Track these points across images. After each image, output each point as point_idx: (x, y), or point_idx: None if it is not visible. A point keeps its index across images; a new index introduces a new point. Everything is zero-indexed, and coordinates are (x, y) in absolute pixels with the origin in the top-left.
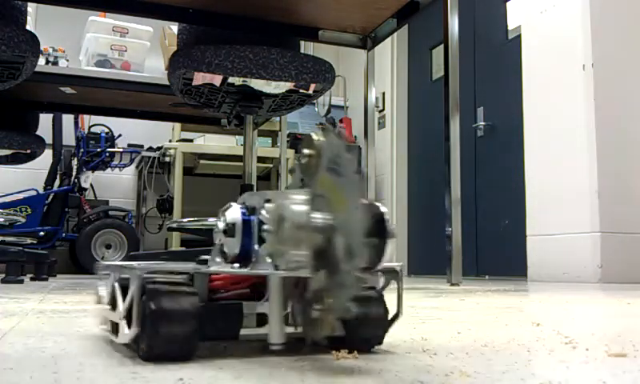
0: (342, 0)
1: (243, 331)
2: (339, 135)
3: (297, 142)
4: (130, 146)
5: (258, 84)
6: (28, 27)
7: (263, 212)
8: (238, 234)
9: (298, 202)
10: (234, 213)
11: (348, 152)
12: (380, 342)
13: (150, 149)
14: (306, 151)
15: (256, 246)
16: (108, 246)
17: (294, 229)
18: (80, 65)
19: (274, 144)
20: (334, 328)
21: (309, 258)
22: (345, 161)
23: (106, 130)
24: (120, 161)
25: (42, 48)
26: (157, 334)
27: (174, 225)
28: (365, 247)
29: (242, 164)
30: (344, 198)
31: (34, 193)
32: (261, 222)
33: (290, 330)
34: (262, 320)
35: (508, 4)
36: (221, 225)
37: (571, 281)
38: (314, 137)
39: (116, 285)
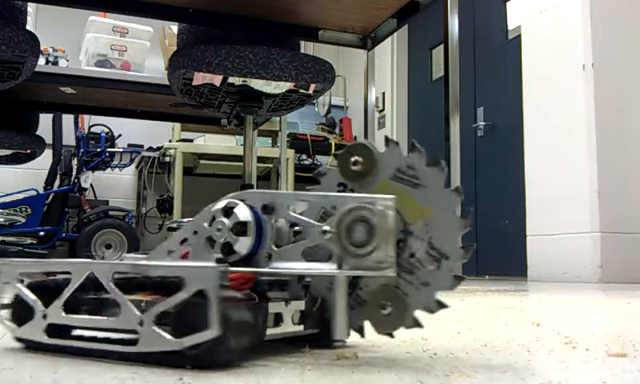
0: (342, 0)
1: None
2: (415, 149)
3: (297, 142)
4: (130, 145)
5: (257, 84)
6: (28, 27)
7: (292, 213)
8: (252, 232)
9: (374, 206)
10: (244, 211)
11: (430, 166)
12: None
13: (150, 149)
14: (357, 159)
15: (274, 247)
16: (108, 246)
17: (381, 232)
18: (80, 65)
19: (274, 144)
20: (416, 323)
21: (394, 259)
22: (423, 173)
23: (106, 130)
24: (120, 161)
25: (42, 48)
26: (230, 337)
27: (174, 225)
28: (458, 250)
29: (242, 164)
30: (421, 206)
31: (34, 193)
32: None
33: (290, 329)
34: (278, 319)
35: (508, 4)
36: (228, 222)
37: (571, 281)
38: (369, 146)
39: (112, 285)
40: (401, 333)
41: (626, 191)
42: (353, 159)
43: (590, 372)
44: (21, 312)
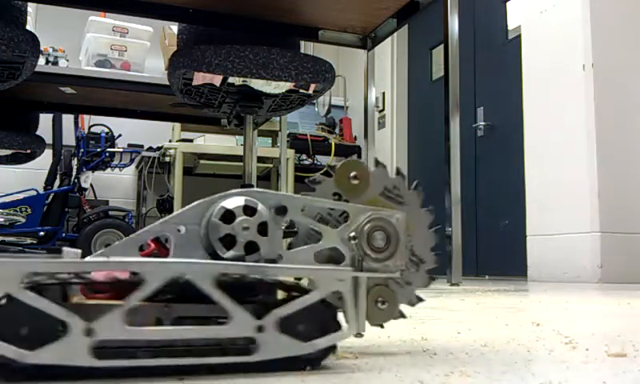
0: (342, 0)
1: None
2: (399, 173)
3: (297, 142)
4: (130, 145)
5: (257, 84)
6: (28, 27)
7: (301, 218)
8: (272, 233)
9: (391, 218)
10: (265, 211)
11: (411, 188)
12: None
13: (150, 149)
14: (355, 173)
15: (285, 248)
16: (108, 246)
17: (396, 239)
18: (80, 65)
19: (274, 144)
20: (401, 315)
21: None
22: (405, 193)
23: (106, 130)
24: (120, 161)
25: (42, 48)
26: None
27: None
28: (432, 256)
29: (242, 164)
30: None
31: (34, 193)
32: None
33: None
34: None
35: (508, 4)
36: (253, 221)
37: (571, 281)
38: (365, 164)
39: (216, 290)
40: (401, 333)
41: (625, 191)
42: (352, 174)
43: (590, 372)
44: (11, 329)
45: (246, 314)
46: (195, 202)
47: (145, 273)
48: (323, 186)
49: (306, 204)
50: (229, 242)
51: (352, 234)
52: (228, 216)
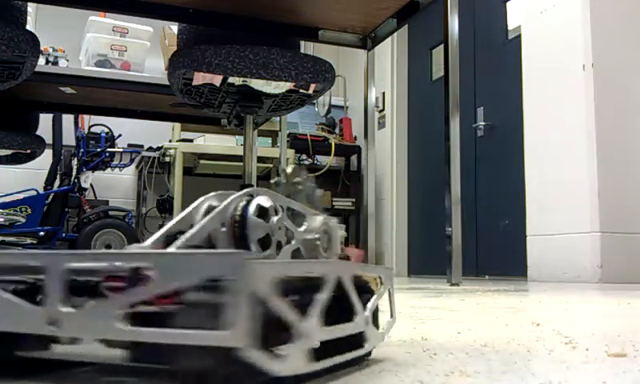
0: (342, 0)
1: None
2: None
3: (297, 142)
4: (130, 145)
5: (257, 84)
6: (28, 27)
7: (285, 218)
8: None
9: (331, 222)
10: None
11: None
12: None
13: (150, 149)
14: (299, 179)
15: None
16: (108, 247)
17: (335, 241)
18: (80, 65)
19: (274, 144)
20: None
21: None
22: (315, 199)
23: (106, 130)
24: (120, 161)
25: (42, 48)
26: None
27: None
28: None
29: (242, 164)
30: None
31: (34, 193)
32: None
33: None
34: None
35: (508, 4)
36: (281, 220)
37: (571, 281)
38: (303, 172)
39: (350, 286)
40: (401, 333)
41: (625, 191)
42: (296, 179)
43: (590, 372)
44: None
45: (363, 309)
46: (228, 199)
47: (325, 274)
48: (280, 189)
49: (290, 205)
50: (265, 241)
51: (317, 236)
52: (263, 215)
